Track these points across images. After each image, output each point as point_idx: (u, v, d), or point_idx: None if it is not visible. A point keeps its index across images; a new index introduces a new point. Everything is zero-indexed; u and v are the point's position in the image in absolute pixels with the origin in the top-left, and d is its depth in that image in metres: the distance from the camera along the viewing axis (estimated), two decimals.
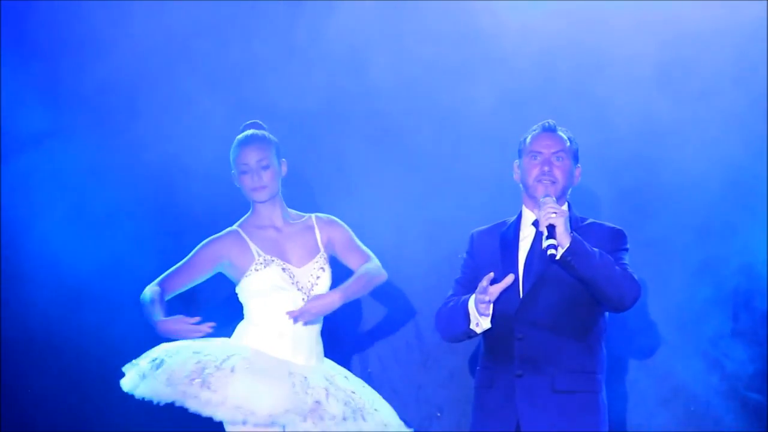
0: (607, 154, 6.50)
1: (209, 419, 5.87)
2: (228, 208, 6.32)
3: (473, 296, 5.26)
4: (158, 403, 5.78)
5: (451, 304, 5.41)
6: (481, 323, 5.28)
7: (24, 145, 6.89)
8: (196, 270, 5.75)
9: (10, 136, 6.82)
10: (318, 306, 5.55)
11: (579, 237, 5.18)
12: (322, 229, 5.83)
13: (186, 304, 6.23)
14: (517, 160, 5.44)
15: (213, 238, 5.79)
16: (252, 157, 5.69)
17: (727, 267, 6.48)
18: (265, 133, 5.83)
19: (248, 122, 5.87)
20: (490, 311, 5.25)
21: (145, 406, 5.97)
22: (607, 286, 5.18)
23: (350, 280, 5.64)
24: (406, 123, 6.68)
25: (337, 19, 6.77)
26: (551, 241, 5.09)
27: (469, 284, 5.44)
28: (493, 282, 5.33)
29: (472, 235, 5.56)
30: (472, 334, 5.33)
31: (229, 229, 5.78)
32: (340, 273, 5.91)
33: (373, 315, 6.41)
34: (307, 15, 6.82)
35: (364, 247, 5.85)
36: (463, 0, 6.68)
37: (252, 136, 5.80)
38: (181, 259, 6.07)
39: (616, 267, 5.22)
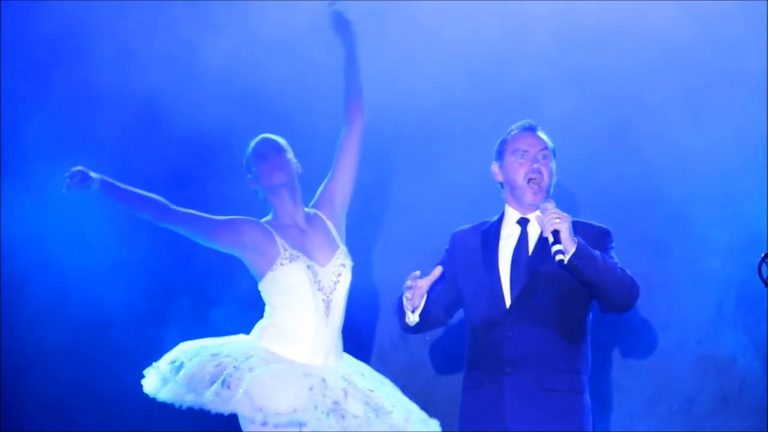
0: (596, 151, 6.57)
1: (210, 420, 5.87)
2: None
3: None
4: (158, 405, 5.83)
5: (397, 298, 5.49)
6: (409, 317, 5.33)
7: (24, 150, 6.93)
8: (211, 224, 5.75)
9: (10, 142, 6.88)
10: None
11: (583, 241, 5.20)
12: (327, 215, 5.89)
13: (200, 303, 6.57)
14: (496, 162, 5.47)
15: (246, 220, 5.81)
16: (269, 146, 5.79)
17: (714, 266, 6.51)
18: (281, 139, 5.91)
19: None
20: (420, 304, 5.30)
21: (143, 408, 6.16)
22: (612, 288, 5.23)
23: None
24: (390, 127, 6.70)
25: (318, 21, 6.60)
26: (558, 247, 5.12)
27: (438, 282, 5.44)
28: (476, 282, 5.41)
29: (454, 234, 5.60)
30: (408, 328, 5.39)
31: (256, 221, 5.87)
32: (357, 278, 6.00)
33: (358, 316, 6.33)
34: (282, 16, 6.82)
35: (342, 155, 5.94)
36: (444, 0, 6.74)
37: (274, 142, 5.86)
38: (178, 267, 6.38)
39: (618, 269, 5.27)
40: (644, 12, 6.61)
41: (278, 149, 5.84)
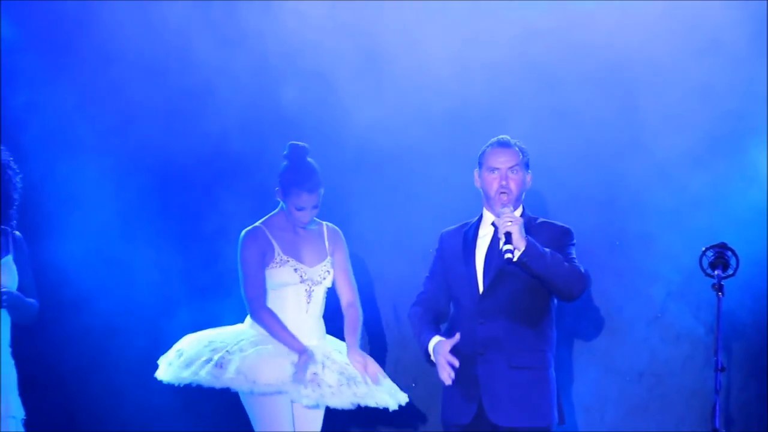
0: (564, 161, 6.84)
1: (209, 420, 6.61)
2: (233, 207, 6.90)
3: (433, 342, 5.70)
4: (160, 405, 6.59)
5: (416, 321, 5.84)
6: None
7: (33, 148, 7.01)
8: (262, 270, 6.13)
9: (20, 140, 6.86)
10: (375, 367, 6.08)
11: (533, 240, 5.55)
12: (330, 239, 6.28)
13: (207, 297, 6.84)
14: (477, 170, 5.84)
15: (248, 240, 6.16)
16: (311, 202, 6.14)
17: (663, 256, 6.79)
18: (317, 167, 6.16)
19: (300, 144, 6.20)
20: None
21: (144, 408, 6.86)
22: (557, 280, 5.61)
23: (357, 334, 6.18)
24: (386, 142, 6.98)
25: (307, 34, 7.01)
26: (508, 246, 5.50)
27: (436, 279, 5.93)
28: (457, 275, 5.79)
29: (441, 234, 5.98)
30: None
31: (255, 225, 6.20)
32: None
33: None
34: (277, 28, 7.02)
35: (353, 278, 6.30)
36: (429, 1, 6.90)
37: (314, 179, 6.13)
38: (182, 263, 6.82)
39: (565, 264, 5.61)
40: (618, 17, 6.81)
41: (317, 205, 6.11)
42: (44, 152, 7.13)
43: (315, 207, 6.18)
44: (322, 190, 6.19)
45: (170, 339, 6.36)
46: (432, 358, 5.77)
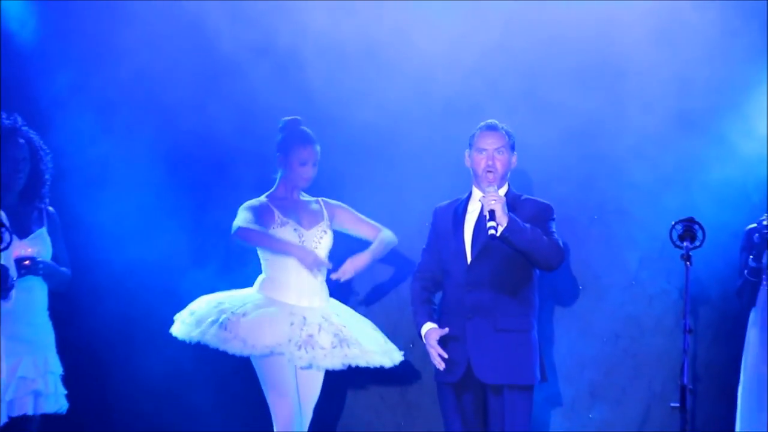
0: (548, 145, 7.05)
1: (209, 418, 7.13)
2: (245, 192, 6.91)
3: (425, 330, 6.06)
4: (157, 403, 7.07)
5: (414, 298, 6.17)
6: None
7: (66, 144, 7.11)
8: (254, 219, 6.44)
9: (53, 137, 6.80)
10: (352, 267, 6.45)
11: (514, 217, 5.81)
12: (327, 207, 6.61)
13: (223, 269, 7.09)
14: (467, 150, 6.16)
15: (250, 205, 6.49)
16: (312, 155, 6.52)
17: (637, 226, 7.00)
18: (311, 131, 6.51)
19: (291, 118, 6.55)
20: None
21: (148, 405, 7.16)
22: (537, 254, 5.91)
23: (374, 245, 6.49)
24: (387, 128, 7.26)
25: (314, 23, 7.21)
26: (492, 224, 5.78)
27: (431, 250, 6.25)
28: (448, 246, 6.11)
29: (435, 209, 6.31)
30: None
31: (260, 199, 6.55)
32: (343, 247, 6.57)
33: (362, 273, 6.72)
34: (287, 19, 7.23)
35: (371, 220, 6.58)
36: (421, 1, 7.11)
37: (311, 136, 6.49)
38: (205, 241, 7.15)
39: (545, 238, 5.89)
40: (599, 13, 7.00)
41: (316, 161, 6.44)
42: (77, 135, 7.32)
43: (315, 164, 6.50)
44: (318, 147, 6.52)
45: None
46: (424, 341, 6.13)
